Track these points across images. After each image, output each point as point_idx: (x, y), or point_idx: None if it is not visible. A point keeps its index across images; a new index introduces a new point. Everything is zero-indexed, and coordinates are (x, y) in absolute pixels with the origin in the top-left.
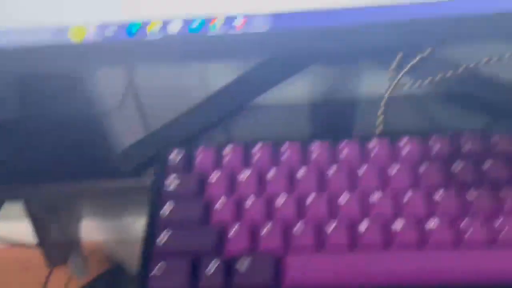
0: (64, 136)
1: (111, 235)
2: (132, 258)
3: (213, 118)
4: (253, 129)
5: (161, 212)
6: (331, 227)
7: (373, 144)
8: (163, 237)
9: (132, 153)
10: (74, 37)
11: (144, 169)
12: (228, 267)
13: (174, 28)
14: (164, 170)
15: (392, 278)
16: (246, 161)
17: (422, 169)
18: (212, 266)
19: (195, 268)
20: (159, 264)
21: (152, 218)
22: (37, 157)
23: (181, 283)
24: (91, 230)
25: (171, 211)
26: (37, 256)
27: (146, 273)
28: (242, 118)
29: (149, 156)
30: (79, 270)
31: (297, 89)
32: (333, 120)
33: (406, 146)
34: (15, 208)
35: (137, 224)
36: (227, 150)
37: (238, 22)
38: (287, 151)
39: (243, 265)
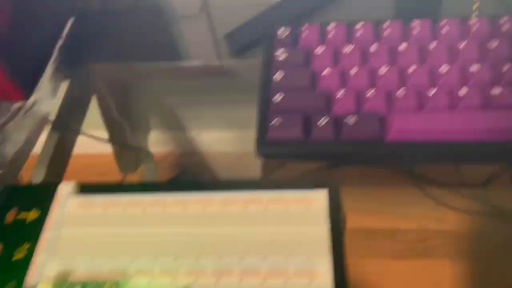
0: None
1: (177, 147)
2: (198, 167)
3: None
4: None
5: (274, 77)
6: (431, 92)
7: (472, 22)
8: (277, 98)
9: (238, 34)
10: None
11: (249, 49)
12: (337, 123)
13: None
14: (273, 45)
15: (489, 135)
16: (349, 37)
17: None
18: (322, 121)
19: (307, 123)
20: (275, 119)
21: (265, 83)
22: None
23: (296, 134)
24: (159, 141)
25: (282, 78)
26: (112, 163)
27: (264, 127)
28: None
29: (254, 38)
30: (150, 176)
31: None
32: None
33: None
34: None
35: (201, 137)
36: (331, 27)
37: None
38: (388, 29)
39: (350, 121)
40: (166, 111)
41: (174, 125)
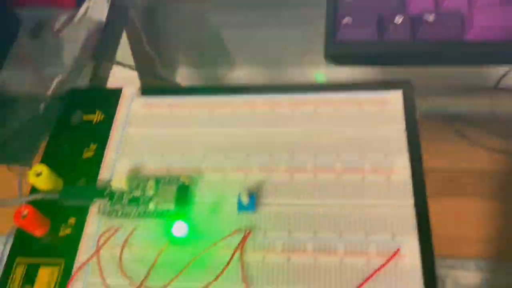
0: None
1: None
2: None
3: None
4: None
5: None
6: None
7: None
8: None
9: None
10: None
11: None
12: (413, 22)
13: None
14: None
15: None
16: None
17: None
18: (398, 20)
19: (381, 22)
20: (347, 18)
21: None
22: None
23: (369, 34)
24: (189, 77)
25: None
26: None
27: (334, 27)
28: None
29: None
30: None
31: None
32: None
33: None
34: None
35: (229, 75)
36: None
37: None
38: None
39: (429, 19)
40: (199, 42)
41: (206, 60)
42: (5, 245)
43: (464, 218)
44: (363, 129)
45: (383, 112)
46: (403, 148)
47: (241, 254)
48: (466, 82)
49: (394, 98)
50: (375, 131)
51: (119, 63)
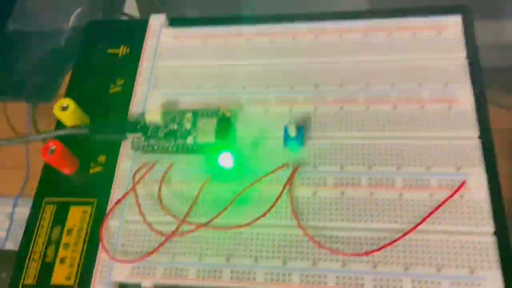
0: None
1: None
2: None
3: None
4: None
5: None
6: None
7: None
8: None
9: None
10: None
11: None
12: None
13: None
14: None
15: None
16: None
17: None
18: None
19: None
20: None
21: None
22: None
23: None
24: None
25: None
26: None
27: None
28: None
29: None
30: None
31: None
32: None
33: None
34: None
35: None
36: None
37: None
38: None
39: None
40: None
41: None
42: (14, 206)
43: None
44: (419, 56)
45: (440, 39)
46: (465, 76)
47: (290, 188)
48: (485, 37)
49: (453, 24)
50: (432, 58)
51: (126, 15)
